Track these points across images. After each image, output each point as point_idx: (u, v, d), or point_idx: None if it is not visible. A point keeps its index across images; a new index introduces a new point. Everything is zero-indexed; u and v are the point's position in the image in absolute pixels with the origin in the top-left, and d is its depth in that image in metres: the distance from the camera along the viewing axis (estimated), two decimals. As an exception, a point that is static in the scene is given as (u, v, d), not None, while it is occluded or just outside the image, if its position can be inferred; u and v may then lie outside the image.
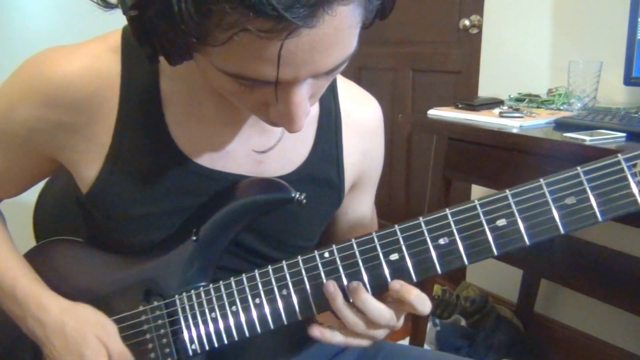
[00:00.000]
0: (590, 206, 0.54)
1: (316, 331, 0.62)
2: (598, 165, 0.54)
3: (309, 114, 0.71)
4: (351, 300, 0.60)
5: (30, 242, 0.78)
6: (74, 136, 0.65)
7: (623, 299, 1.31)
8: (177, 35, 0.44)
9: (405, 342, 1.77)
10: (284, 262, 0.64)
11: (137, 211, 0.67)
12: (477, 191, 2.07)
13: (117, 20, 0.66)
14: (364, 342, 0.63)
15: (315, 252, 0.63)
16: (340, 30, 0.46)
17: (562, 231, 0.55)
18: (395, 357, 0.84)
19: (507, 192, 0.56)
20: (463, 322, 1.87)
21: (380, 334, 0.63)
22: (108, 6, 0.50)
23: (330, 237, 0.86)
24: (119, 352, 0.65)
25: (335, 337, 0.62)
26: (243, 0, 0.40)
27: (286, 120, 0.53)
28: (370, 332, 0.62)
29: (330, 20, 0.44)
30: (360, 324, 0.61)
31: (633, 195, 0.53)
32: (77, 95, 0.62)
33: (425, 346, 1.75)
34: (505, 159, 1.31)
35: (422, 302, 0.59)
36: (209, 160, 0.68)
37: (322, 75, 0.50)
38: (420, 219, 0.59)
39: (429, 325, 1.80)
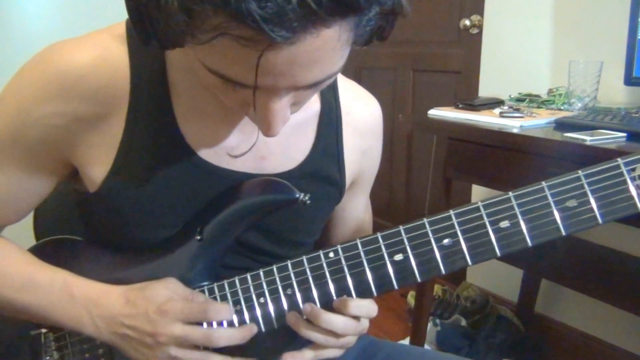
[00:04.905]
0: (591, 209, 0.56)
1: (288, 357, 0.65)
2: (598, 169, 0.56)
3: (312, 112, 0.73)
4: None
5: (31, 242, 0.78)
6: (89, 130, 0.64)
7: (623, 299, 1.31)
8: (164, 24, 0.45)
9: (406, 342, 1.77)
10: (288, 261, 0.64)
11: (144, 207, 0.67)
12: (478, 191, 2.07)
13: (117, 19, 0.66)
14: (336, 352, 0.66)
15: (320, 251, 0.63)
16: (323, 50, 0.46)
17: (563, 233, 0.57)
18: (395, 356, 0.85)
19: (510, 194, 0.57)
20: (463, 322, 1.87)
21: (351, 340, 0.66)
22: None
23: (326, 235, 0.86)
24: (190, 292, 0.65)
25: (306, 355, 0.65)
26: (225, 7, 0.41)
27: (263, 125, 0.54)
28: (340, 342, 0.65)
29: (312, 40, 0.44)
30: (330, 340, 0.64)
31: (632, 198, 0.55)
32: (92, 86, 0.61)
33: (426, 346, 1.75)
34: (505, 159, 1.32)
35: (363, 311, 0.64)
36: (214, 156, 0.68)
37: (304, 88, 0.51)
38: (425, 219, 0.60)
39: (429, 325, 1.80)
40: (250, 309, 0.64)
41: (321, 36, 0.44)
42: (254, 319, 0.64)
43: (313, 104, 0.73)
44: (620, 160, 0.55)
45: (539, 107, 1.51)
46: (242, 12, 0.40)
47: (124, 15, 0.59)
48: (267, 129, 0.54)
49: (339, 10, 0.43)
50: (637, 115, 1.27)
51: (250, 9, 0.40)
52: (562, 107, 1.48)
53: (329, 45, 0.46)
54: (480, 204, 0.58)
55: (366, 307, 0.65)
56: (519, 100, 1.58)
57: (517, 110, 1.42)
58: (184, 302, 0.63)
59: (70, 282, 0.66)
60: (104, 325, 0.64)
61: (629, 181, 0.55)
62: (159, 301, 0.62)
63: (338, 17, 0.44)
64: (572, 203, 0.56)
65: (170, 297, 0.63)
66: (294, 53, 0.45)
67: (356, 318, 0.65)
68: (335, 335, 0.64)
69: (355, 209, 0.86)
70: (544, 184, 0.57)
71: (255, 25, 0.41)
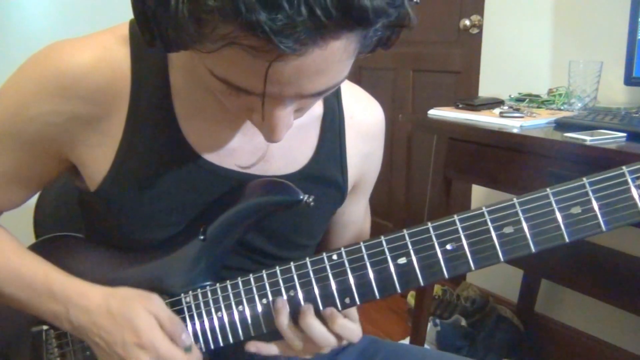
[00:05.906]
0: (595, 216, 0.56)
1: (252, 347, 0.65)
2: (603, 176, 0.56)
3: (315, 115, 0.73)
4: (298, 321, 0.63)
5: (30, 240, 0.77)
6: (87, 130, 0.64)
7: (623, 299, 1.31)
8: (172, 29, 0.45)
9: (406, 342, 1.77)
10: (292, 263, 0.64)
11: (145, 207, 0.67)
12: (478, 191, 2.08)
13: (119, 19, 0.66)
14: (301, 355, 0.66)
15: (324, 254, 0.63)
16: (329, 62, 0.47)
17: (567, 240, 0.57)
18: (395, 356, 0.85)
19: (515, 200, 0.58)
20: (463, 322, 1.87)
21: (323, 351, 0.66)
22: None
23: (325, 240, 0.87)
24: (169, 318, 0.63)
25: (271, 349, 0.65)
26: (236, 18, 0.41)
27: (267, 131, 0.55)
28: (307, 350, 0.65)
29: (320, 52, 0.45)
30: (298, 345, 0.63)
31: (636, 206, 0.55)
32: (92, 86, 0.61)
33: (426, 346, 1.76)
34: (505, 159, 1.32)
35: (346, 333, 0.64)
36: (216, 157, 0.68)
37: (309, 97, 0.51)
38: (429, 224, 0.60)
39: (430, 325, 1.81)
40: (253, 309, 0.65)
41: (329, 48, 0.45)
42: (255, 319, 0.65)
43: (316, 108, 0.73)
44: (625, 168, 0.55)
45: (539, 107, 1.51)
46: (252, 23, 0.40)
47: (126, 16, 0.59)
48: (270, 135, 0.54)
49: (347, 23, 0.43)
50: (637, 115, 1.27)
51: (260, 20, 0.40)
52: (562, 107, 1.48)
53: (336, 56, 0.46)
54: (484, 209, 0.58)
55: (350, 330, 0.64)
56: (519, 100, 1.58)
57: (517, 110, 1.42)
58: (163, 342, 0.61)
59: (52, 277, 0.66)
60: (79, 326, 0.64)
61: (633, 189, 0.55)
62: (138, 328, 0.61)
63: (346, 29, 0.44)
64: (576, 210, 0.56)
65: (150, 326, 0.62)
66: (302, 64, 0.45)
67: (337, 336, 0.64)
68: (309, 340, 0.63)
69: (355, 213, 0.86)
70: (548, 190, 0.57)
71: (264, 36, 0.41)
